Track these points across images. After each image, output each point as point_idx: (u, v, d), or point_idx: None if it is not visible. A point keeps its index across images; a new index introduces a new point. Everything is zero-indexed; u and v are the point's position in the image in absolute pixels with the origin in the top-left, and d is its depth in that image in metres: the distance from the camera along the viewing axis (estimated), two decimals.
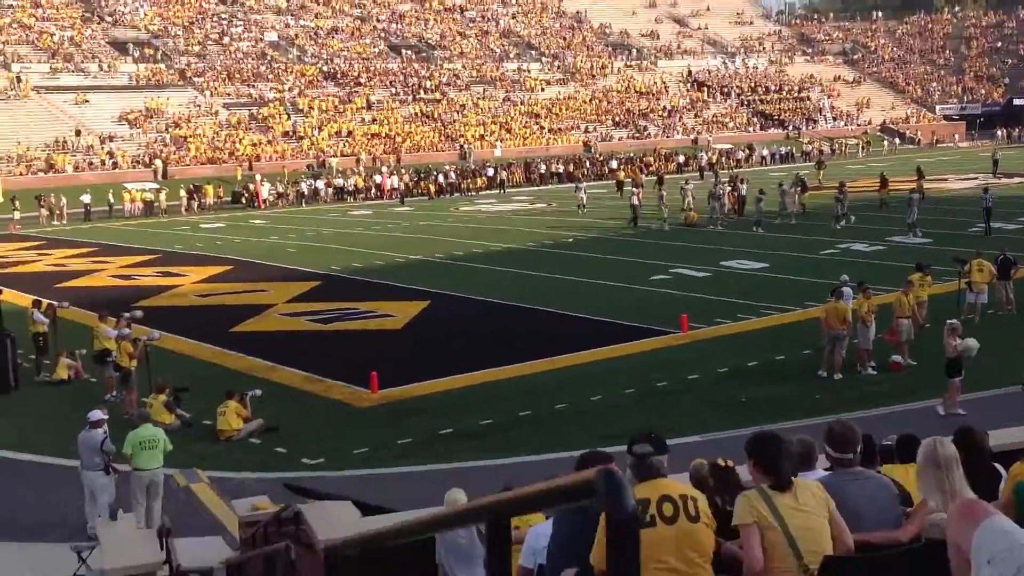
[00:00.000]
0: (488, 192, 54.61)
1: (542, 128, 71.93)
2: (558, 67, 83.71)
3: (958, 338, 14.51)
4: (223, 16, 78.46)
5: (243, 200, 51.73)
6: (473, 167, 58.95)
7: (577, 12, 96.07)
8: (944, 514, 4.74)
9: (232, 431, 14.81)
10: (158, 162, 55.94)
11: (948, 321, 15.43)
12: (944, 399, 14.63)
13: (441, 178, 55.26)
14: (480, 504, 2.17)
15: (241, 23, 78.01)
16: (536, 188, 56.89)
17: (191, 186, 51.26)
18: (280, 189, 52.61)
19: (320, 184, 53.84)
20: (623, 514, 1.39)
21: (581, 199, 41.96)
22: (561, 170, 60.04)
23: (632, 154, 64.09)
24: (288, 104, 66.78)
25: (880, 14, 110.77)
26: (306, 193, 52.62)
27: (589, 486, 1.37)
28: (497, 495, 2.03)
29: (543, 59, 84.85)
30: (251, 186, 52.31)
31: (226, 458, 14.03)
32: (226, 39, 75.01)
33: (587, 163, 61.54)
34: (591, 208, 41.96)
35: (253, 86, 68.68)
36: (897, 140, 78.32)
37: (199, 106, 64.24)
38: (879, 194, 37.80)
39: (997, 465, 5.93)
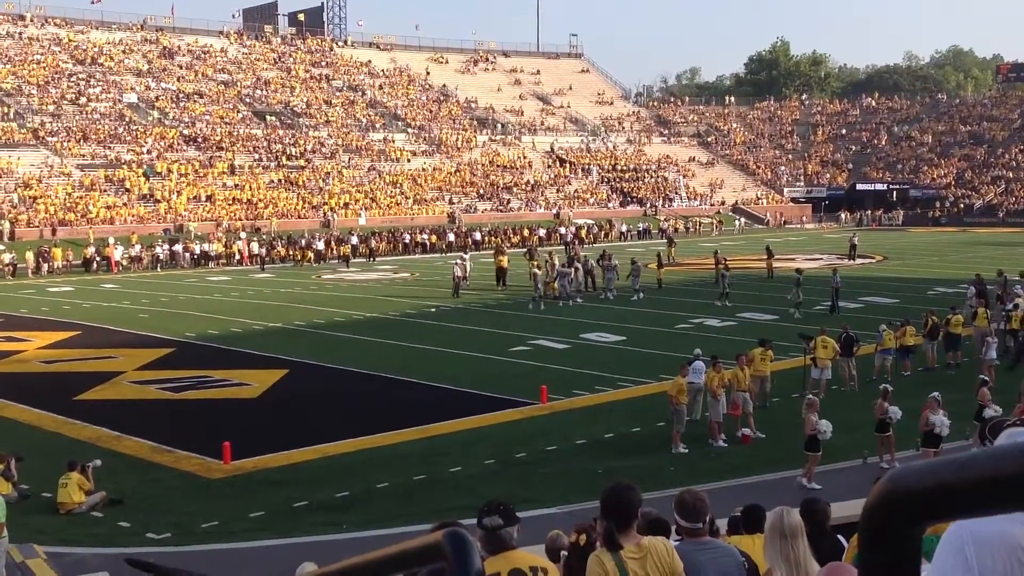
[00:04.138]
0: (353, 261, 54.24)
1: (407, 198, 72.17)
2: (424, 139, 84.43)
3: (816, 414, 14.78)
4: (81, 76, 76.52)
5: (94, 264, 50.06)
6: (337, 235, 58.58)
7: (444, 86, 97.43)
8: None
9: (73, 504, 14.13)
10: (5, 223, 53.72)
11: (807, 396, 15.88)
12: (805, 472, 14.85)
13: (314, 244, 54.73)
14: (329, 572, 2.14)
15: (100, 84, 76.18)
16: (401, 257, 56.85)
17: (40, 248, 49.44)
18: (134, 253, 51.13)
19: (178, 248, 52.56)
20: None
21: (467, 269, 39.63)
22: (427, 240, 60.27)
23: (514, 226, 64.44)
24: (146, 167, 65.23)
25: (732, 99, 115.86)
26: (162, 258, 51.27)
27: (436, 549, 1.37)
28: (345, 562, 2.00)
29: (409, 130, 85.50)
30: (103, 249, 50.70)
31: (66, 532, 13.35)
32: (83, 99, 73.08)
33: (451, 234, 61.80)
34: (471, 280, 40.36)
35: (109, 147, 66.91)
36: (743, 220, 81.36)
37: (51, 166, 62.16)
38: (716, 271, 38.39)
39: (840, 536, 6.15)
